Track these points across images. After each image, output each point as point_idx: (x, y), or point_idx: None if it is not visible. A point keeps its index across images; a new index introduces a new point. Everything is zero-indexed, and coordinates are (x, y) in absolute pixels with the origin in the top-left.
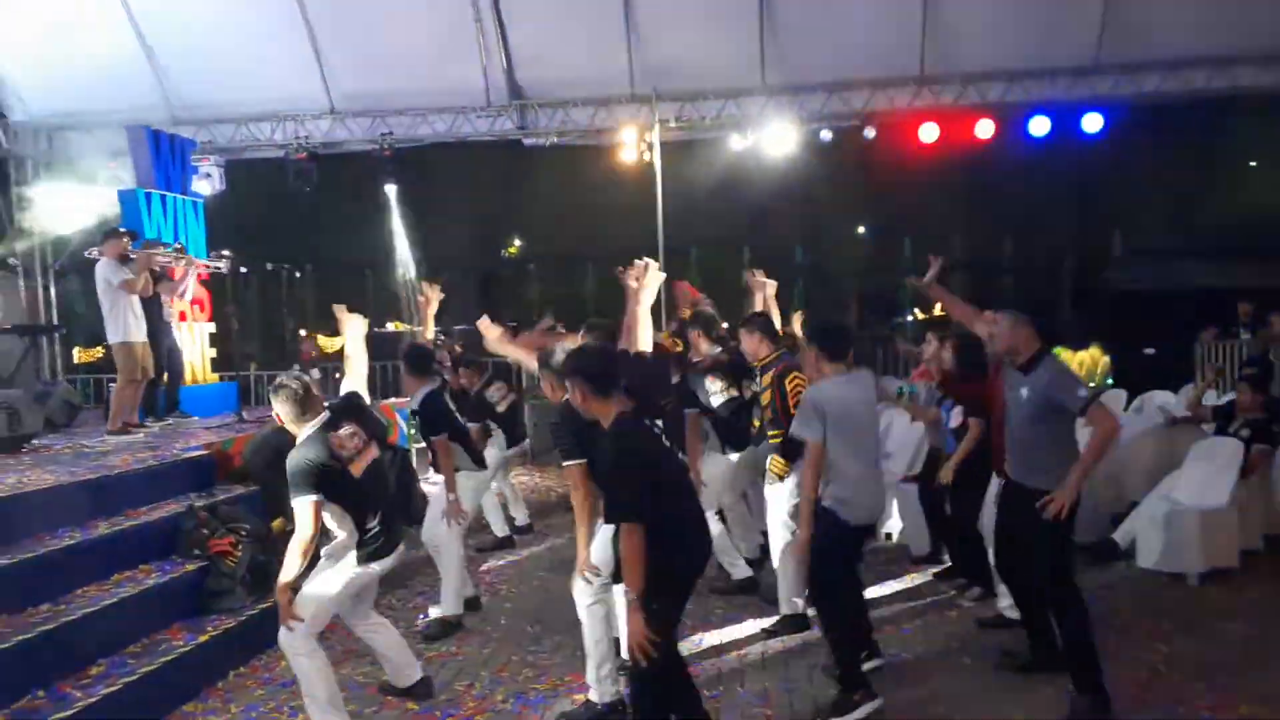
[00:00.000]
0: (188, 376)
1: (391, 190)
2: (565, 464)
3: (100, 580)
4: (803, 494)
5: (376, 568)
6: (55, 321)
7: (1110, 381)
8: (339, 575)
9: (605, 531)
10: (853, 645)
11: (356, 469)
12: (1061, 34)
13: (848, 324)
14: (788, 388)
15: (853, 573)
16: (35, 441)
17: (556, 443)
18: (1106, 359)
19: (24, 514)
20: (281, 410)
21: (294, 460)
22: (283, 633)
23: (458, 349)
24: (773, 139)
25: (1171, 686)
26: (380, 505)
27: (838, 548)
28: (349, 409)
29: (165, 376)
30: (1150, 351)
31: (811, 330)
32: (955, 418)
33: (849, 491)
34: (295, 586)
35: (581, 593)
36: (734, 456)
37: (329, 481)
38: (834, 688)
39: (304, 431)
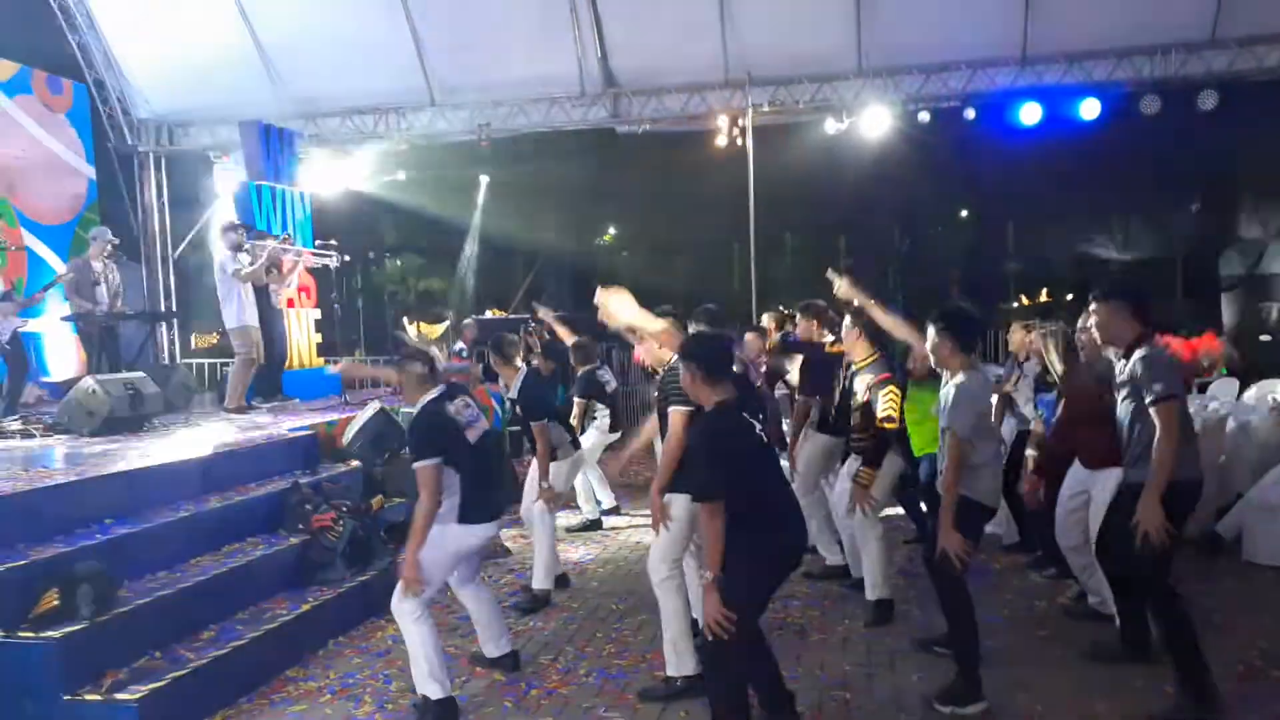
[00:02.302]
0: (296, 361)
1: (484, 180)
2: (417, 464)
3: (212, 551)
4: (947, 491)
5: (479, 531)
6: (173, 308)
7: (1225, 370)
8: (443, 541)
9: (681, 507)
10: (976, 640)
11: (472, 435)
12: (1174, 7)
13: (976, 313)
14: (881, 402)
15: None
16: (155, 421)
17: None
18: (1226, 347)
19: (144, 488)
20: (406, 381)
21: (413, 426)
22: (395, 597)
23: (546, 335)
24: (869, 122)
25: (1273, 686)
26: (486, 475)
27: (969, 536)
28: (458, 388)
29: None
30: (1267, 339)
31: (945, 319)
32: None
33: (984, 479)
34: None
35: (656, 570)
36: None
37: (449, 443)
38: (919, 662)
39: (424, 400)
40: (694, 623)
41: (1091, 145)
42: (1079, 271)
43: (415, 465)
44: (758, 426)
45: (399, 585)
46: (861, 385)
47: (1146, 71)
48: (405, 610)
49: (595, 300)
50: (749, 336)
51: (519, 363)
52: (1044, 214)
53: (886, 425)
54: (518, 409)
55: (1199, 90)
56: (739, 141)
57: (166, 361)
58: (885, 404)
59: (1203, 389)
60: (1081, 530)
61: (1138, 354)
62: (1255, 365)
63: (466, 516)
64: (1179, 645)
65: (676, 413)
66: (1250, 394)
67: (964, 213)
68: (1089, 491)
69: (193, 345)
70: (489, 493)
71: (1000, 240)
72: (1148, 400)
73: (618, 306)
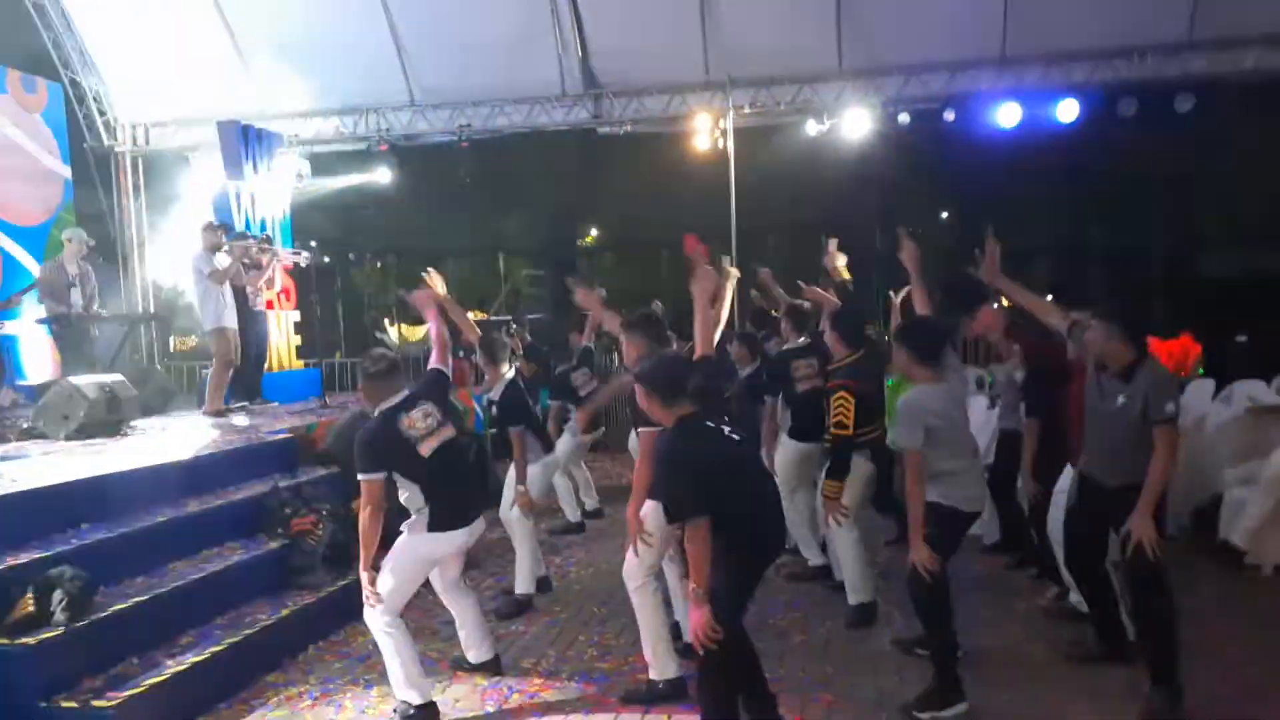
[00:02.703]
0: (273, 363)
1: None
2: (360, 476)
3: (190, 556)
4: (910, 502)
5: (447, 540)
6: (151, 310)
7: (1201, 371)
8: (413, 549)
9: (653, 515)
10: (953, 641)
11: (425, 448)
12: (1152, 9)
13: (938, 323)
14: (832, 408)
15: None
16: (133, 424)
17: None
18: (1198, 348)
19: (122, 492)
20: (363, 388)
21: (358, 439)
22: (367, 609)
23: (527, 337)
24: (849, 124)
25: (1249, 684)
26: (452, 483)
27: (948, 541)
28: (429, 390)
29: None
30: (1242, 339)
31: (902, 332)
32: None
33: (956, 485)
34: (375, 565)
35: (632, 577)
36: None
37: (394, 460)
38: (899, 664)
39: (381, 407)
40: (675, 626)
41: (1069, 146)
42: (1058, 273)
43: (359, 477)
44: (725, 429)
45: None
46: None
47: (1124, 73)
48: (377, 621)
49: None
50: (735, 348)
51: (504, 367)
52: (1023, 215)
53: (838, 432)
54: (494, 411)
55: (1175, 92)
56: (720, 143)
57: (144, 364)
58: (836, 410)
59: (1179, 390)
60: None
61: (1145, 376)
62: (1228, 366)
63: (434, 525)
64: (1162, 631)
65: (645, 434)
66: (1225, 393)
67: (944, 214)
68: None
69: (171, 347)
70: (456, 499)
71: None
72: (1156, 419)
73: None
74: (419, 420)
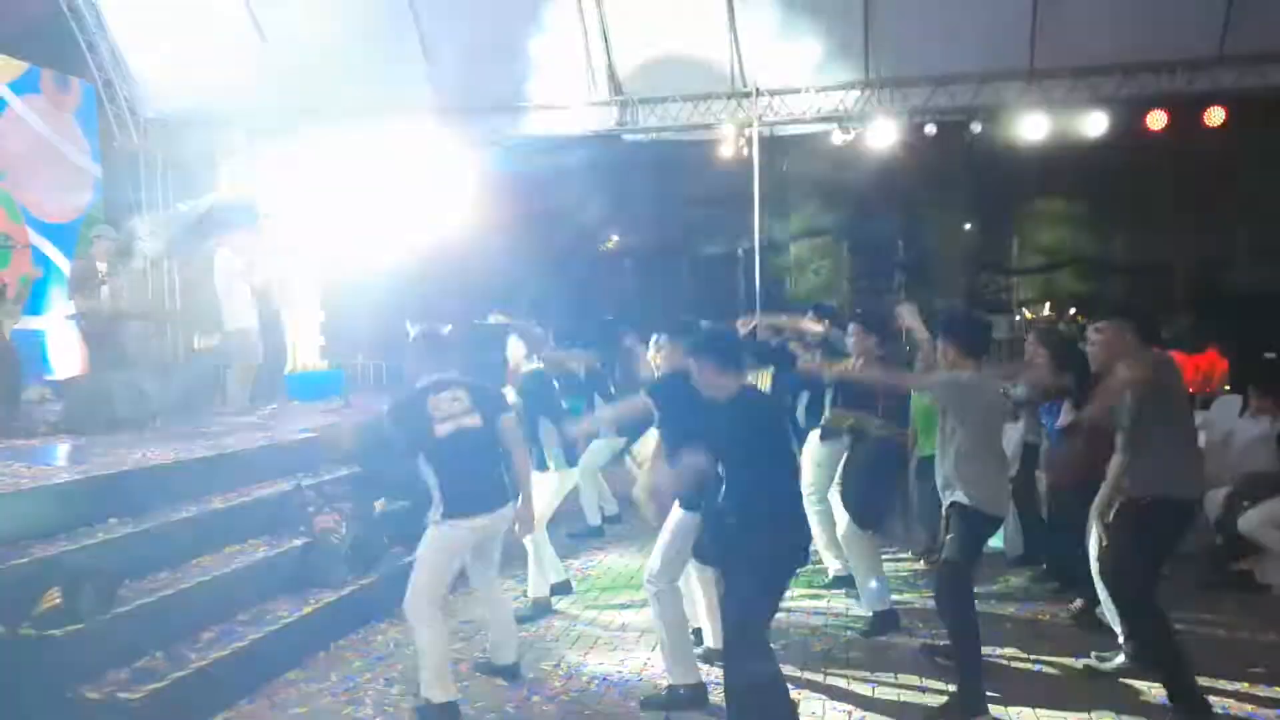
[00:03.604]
0: (296, 363)
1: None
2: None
3: (214, 551)
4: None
5: (467, 524)
6: (178, 308)
7: (1227, 388)
8: (434, 538)
9: (677, 520)
10: (977, 651)
11: (440, 430)
12: (1183, 24)
13: (986, 319)
14: None
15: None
16: (158, 421)
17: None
18: (1224, 363)
19: (147, 487)
20: (406, 363)
21: (394, 404)
22: (408, 600)
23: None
24: (875, 134)
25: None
26: (464, 469)
27: (971, 542)
28: (473, 380)
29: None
30: (1271, 356)
31: (947, 323)
32: (1063, 417)
33: (982, 487)
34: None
35: (654, 581)
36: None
37: (410, 429)
38: (921, 672)
39: (418, 384)
40: (696, 631)
41: (1097, 160)
42: (1083, 285)
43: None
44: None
45: (410, 587)
46: None
47: (1153, 87)
48: (417, 613)
49: None
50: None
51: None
52: (1048, 228)
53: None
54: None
55: (1205, 106)
56: (744, 152)
57: (170, 361)
58: None
59: (1205, 405)
60: None
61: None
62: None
63: (447, 510)
64: (1163, 660)
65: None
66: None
67: (967, 225)
68: None
69: (195, 346)
70: (469, 485)
71: (1005, 253)
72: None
73: None
74: (444, 403)
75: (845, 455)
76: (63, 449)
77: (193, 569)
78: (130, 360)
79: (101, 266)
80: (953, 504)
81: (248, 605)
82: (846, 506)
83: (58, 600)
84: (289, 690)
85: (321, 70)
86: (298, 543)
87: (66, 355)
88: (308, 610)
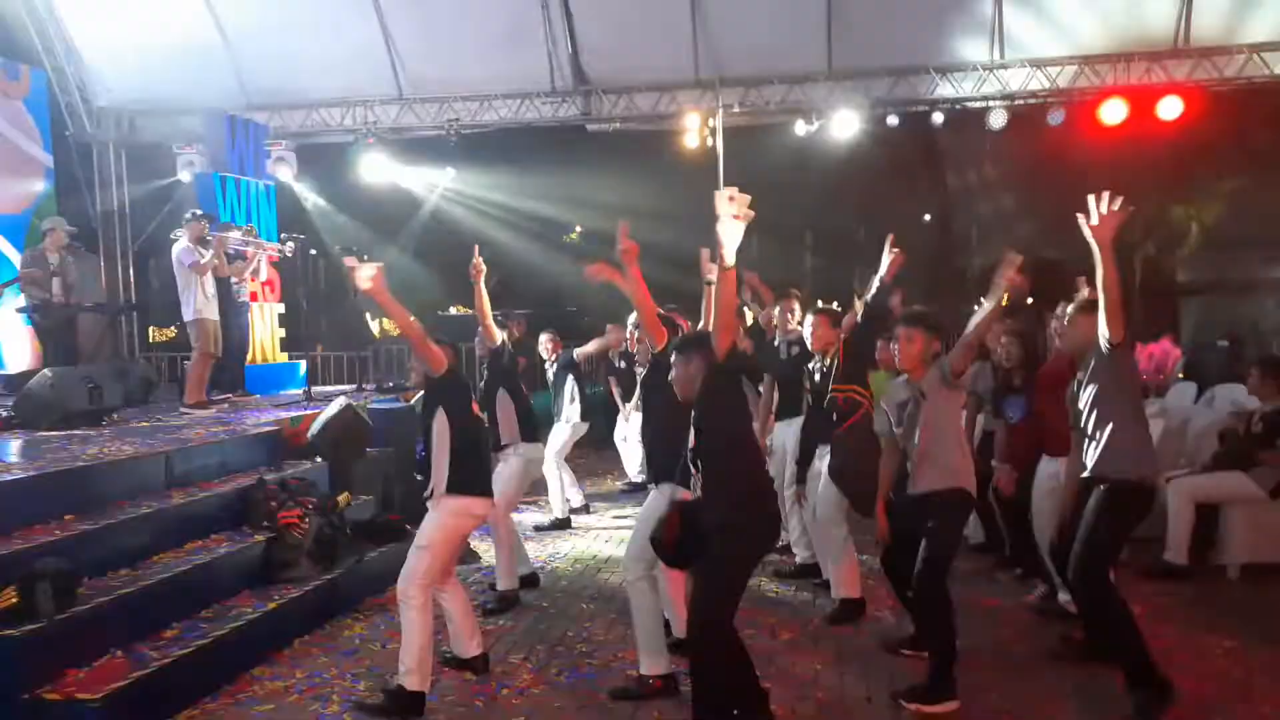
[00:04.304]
0: (257, 355)
1: (449, 174)
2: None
3: (175, 548)
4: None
5: (479, 505)
6: (133, 301)
7: (1180, 375)
8: (439, 519)
9: (653, 508)
10: (953, 638)
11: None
12: (1140, 16)
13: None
14: None
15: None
16: (115, 415)
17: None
18: (1178, 352)
19: (105, 483)
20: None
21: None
22: (402, 579)
23: (515, 333)
24: (838, 125)
25: (1236, 685)
26: (478, 449)
27: (955, 531)
28: None
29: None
30: (1224, 344)
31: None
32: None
33: (966, 478)
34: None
35: (630, 569)
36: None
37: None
38: (890, 660)
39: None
40: (665, 623)
41: (1055, 149)
42: (1039, 276)
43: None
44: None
45: (406, 567)
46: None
47: (1110, 78)
48: (411, 597)
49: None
50: None
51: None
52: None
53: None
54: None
55: (1162, 97)
56: (708, 142)
57: (125, 355)
58: None
59: (1161, 393)
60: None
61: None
62: (1213, 369)
63: (453, 485)
64: (1124, 642)
65: None
66: (1208, 396)
67: (927, 216)
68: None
69: (149, 338)
70: (480, 466)
71: (965, 243)
72: None
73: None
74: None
75: (843, 442)
76: (15, 445)
77: (153, 566)
78: (84, 354)
79: (52, 258)
80: (938, 490)
81: (210, 602)
82: (846, 493)
83: (14, 599)
84: (254, 688)
85: (282, 57)
86: (260, 538)
87: (18, 349)
88: (271, 606)
